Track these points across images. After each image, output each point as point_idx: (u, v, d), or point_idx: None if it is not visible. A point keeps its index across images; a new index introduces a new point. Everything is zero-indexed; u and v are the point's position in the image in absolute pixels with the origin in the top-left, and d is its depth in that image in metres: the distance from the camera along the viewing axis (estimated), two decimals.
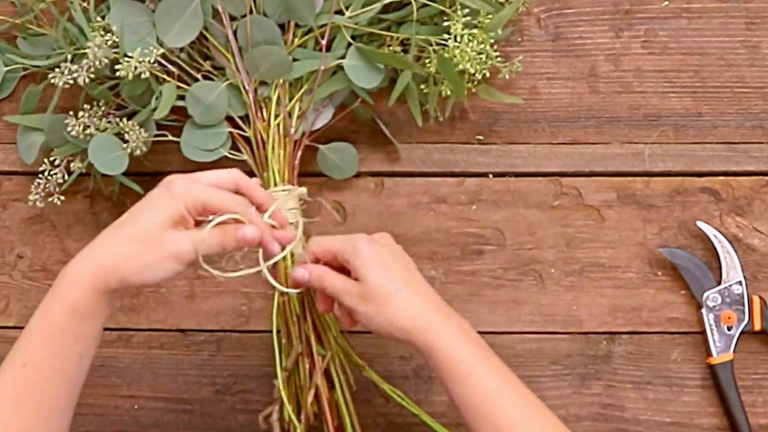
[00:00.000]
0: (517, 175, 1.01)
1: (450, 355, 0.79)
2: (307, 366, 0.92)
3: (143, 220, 0.76)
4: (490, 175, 1.01)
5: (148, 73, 0.91)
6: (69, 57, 0.93)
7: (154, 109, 0.94)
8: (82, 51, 0.92)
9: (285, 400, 0.92)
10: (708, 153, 1.01)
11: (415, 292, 0.82)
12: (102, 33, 0.93)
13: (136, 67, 0.91)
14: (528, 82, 1.02)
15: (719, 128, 1.01)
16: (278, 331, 0.94)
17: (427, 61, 0.95)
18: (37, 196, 0.98)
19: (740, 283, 0.97)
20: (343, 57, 0.95)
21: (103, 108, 0.97)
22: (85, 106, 0.96)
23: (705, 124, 1.01)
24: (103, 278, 0.76)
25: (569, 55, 1.02)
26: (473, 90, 0.98)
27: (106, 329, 1.00)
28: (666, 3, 1.03)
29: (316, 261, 0.86)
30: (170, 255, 0.76)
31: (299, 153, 0.96)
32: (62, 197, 0.98)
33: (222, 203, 0.78)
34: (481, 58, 0.94)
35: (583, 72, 1.02)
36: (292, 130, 0.95)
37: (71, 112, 0.95)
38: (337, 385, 0.93)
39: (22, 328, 1.01)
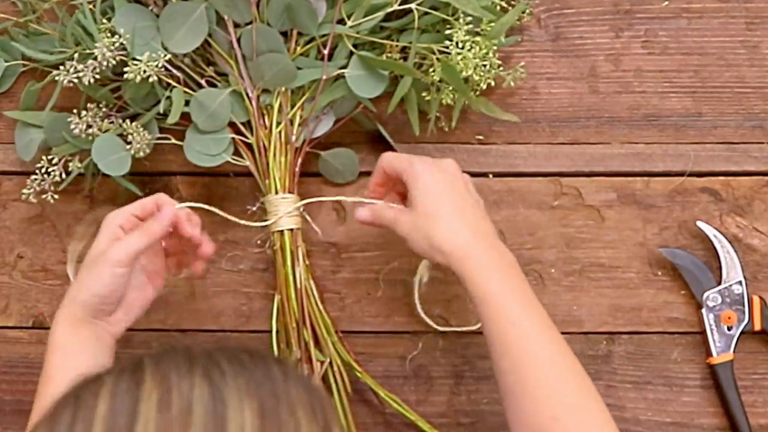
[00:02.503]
0: (517, 175, 1.01)
1: (482, 287, 0.82)
2: (306, 371, 0.93)
3: (90, 254, 0.86)
4: (490, 175, 1.01)
5: (155, 77, 0.91)
6: (75, 56, 0.93)
7: (159, 113, 0.94)
8: (88, 51, 0.92)
9: None
10: (708, 153, 1.01)
11: (462, 219, 0.84)
12: (108, 35, 0.93)
13: (144, 71, 0.91)
14: (528, 82, 1.02)
15: (719, 128, 1.01)
16: (277, 332, 0.94)
17: (430, 68, 0.95)
18: (31, 191, 0.98)
19: (740, 283, 0.97)
20: (344, 66, 0.95)
21: (104, 109, 0.97)
22: (88, 105, 0.96)
23: (705, 124, 1.01)
24: (71, 311, 0.85)
25: (569, 55, 1.02)
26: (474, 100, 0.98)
27: None
28: (666, 3, 1.03)
29: (385, 176, 0.90)
30: (108, 263, 0.84)
31: (300, 160, 0.96)
32: (56, 195, 0.98)
33: (139, 205, 0.88)
34: (484, 66, 0.94)
35: (583, 72, 1.02)
36: (293, 138, 0.95)
37: (75, 111, 0.95)
38: (335, 391, 0.93)
39: (22, 327, 1.02)
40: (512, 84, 0.99)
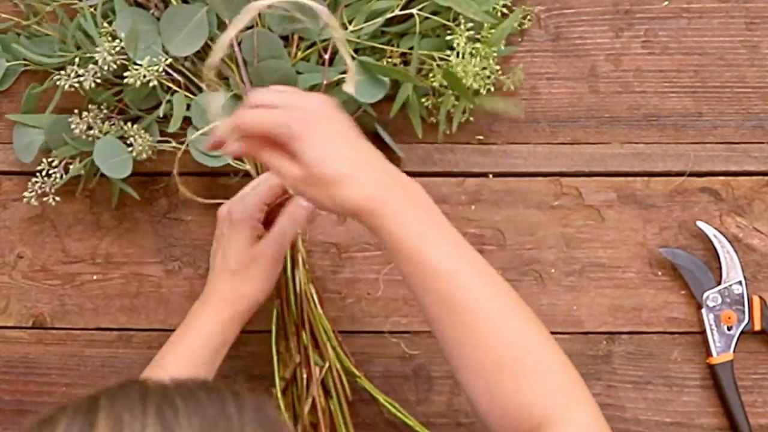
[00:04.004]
0: (517, 175, 1.01)
1: (397, 235, 0.73)
2: (305, 376, 0.93)
3: (230, 254, 0.89)
4: (490, 175, 1.01)
5: (156, 82, 0.91)
6: (76, 60, 0.93)
7: (160, 116, 0.94)
8: (88, 55, 0.92)
9: (282, 409, 0.92)
10: (708, 153, 1.01)
11: (360, 171, 0.74)
12: (109, 39, 0.93)
13: (144, 75, 0.91)
14: (528, 82, 1.02)
15: (719, 128, 1.01)
16: (276, 335, 0.94)
17: (430, 74, 0.95)
18: (32, 194, 0.98)
19: (740, 283, 0.97)
20: (345, 71, 0.94)
21: (105, 111, 0.96)
22: (89, 107, 0.96)
23: (705, 124, 1.01)
24: (231, 310, 0.89)
25: (569, 55, 1.02)
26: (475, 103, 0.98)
27: (106, 329, 1.01)
28: (666, 3, 1.02)
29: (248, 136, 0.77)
30: (266, 266, 0.88)
31: None
32: (57, 198, 0.98)
33: (268, 195, 0.90)
34: (484, 73, 0.94)
35: (583, 72, 1.02)
36: None
37: (75, 111, 0.95)
38: (334, 396, 0.93)
39: (22, 327, 1.02)
40: (512, 87, 0.99)
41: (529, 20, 1.01)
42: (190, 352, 0.88)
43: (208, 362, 0.88)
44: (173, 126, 0.92)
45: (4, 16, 1.01)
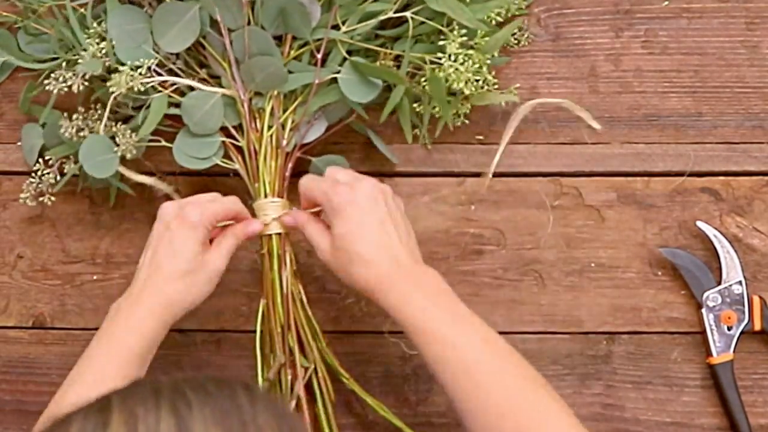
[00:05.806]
0: (517, 175, 1.01)
1: (409, 316, 0.81)
2: (289, 377, 0.92)
3: (181, 254, 0.87)
4: (490, 175, 1.01)
5: (140, 86, 0.91)
6: (63, 63, 0.93)
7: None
8: (77, 57, 0.92)
9: None
10: (708, 153, 1.01)
11: (378, 254, 0.83)
12: (97, 41, 0.93)
13: (133, 77, 0.90)
14: (528, 82, 1.02)
15: (719, 128, 1.01)
16: (261, 335, 0.94)
17: (422, 79, 0.95)
18: (28, 195, 0.98)
19: (740, 283, 0.97)
20: (338, 71, 0.95)
21: (99, 111, 0.96)
22: (79, 108, 0.96)
23: (705, 124, 1.01)
24: (170, 311, 0.86)
25: (569, 55, 1.02)
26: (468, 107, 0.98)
27: None
28: (666, 3, 1.03)
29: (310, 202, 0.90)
30: (213, 274, 0.88)
31: (290, 165, 0.96)
32: (53, 197, 0.98)
33: (229, 211, 0.90)
34: (477, 81, 0.94)
35: (583, 72, 1.02)
36: (284, 142, 0.95)
37: (65, 114, 0.95)
38: (319, 398, 0.93)
39: (22, 327, 1.02)
40: (503, 104, 0.99)
41: (521, 29, 1.01)
42: (127, 350, 0.85)
43: (137, 365, 0.85)
44: (145, 130, 0.92)
45: (3, 13, 1.01)
